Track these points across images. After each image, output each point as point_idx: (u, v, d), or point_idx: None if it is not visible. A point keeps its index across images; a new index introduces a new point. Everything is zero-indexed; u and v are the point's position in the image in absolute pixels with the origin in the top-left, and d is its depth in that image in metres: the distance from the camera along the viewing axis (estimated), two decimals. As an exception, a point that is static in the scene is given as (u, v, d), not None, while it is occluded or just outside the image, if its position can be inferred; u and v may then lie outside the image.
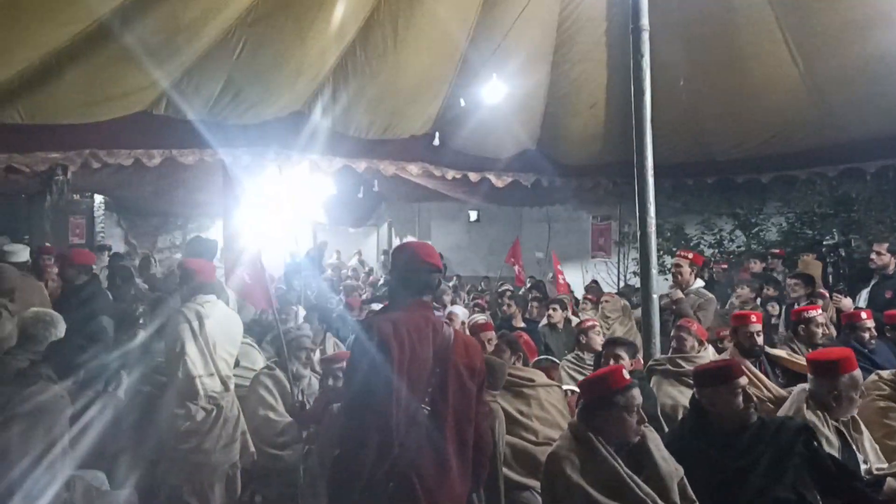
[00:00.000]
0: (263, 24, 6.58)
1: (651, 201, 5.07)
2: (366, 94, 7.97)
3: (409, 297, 2.81)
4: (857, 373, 3.58)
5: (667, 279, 7.01)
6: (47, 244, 9.21)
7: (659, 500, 2.86)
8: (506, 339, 4.91)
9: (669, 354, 4.97)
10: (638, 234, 5.25)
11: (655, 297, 5.12)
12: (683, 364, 4.77)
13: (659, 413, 4.36)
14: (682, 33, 7.63)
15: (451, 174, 9.74)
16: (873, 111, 7.81)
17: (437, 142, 8.80)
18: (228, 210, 5.65)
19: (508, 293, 8.59)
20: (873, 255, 6.51)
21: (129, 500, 3.80)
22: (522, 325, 7.47)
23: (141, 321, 4.96)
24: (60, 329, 4.37)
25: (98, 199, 11.96)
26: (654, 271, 5.15)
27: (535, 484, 3.78)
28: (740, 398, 3.26)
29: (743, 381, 3.31)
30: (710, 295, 6.10)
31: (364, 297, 10.05)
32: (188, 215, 14.44)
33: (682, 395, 4.50)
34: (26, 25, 5.31)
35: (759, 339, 4.75)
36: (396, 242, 20.58)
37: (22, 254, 5.88)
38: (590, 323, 6.16)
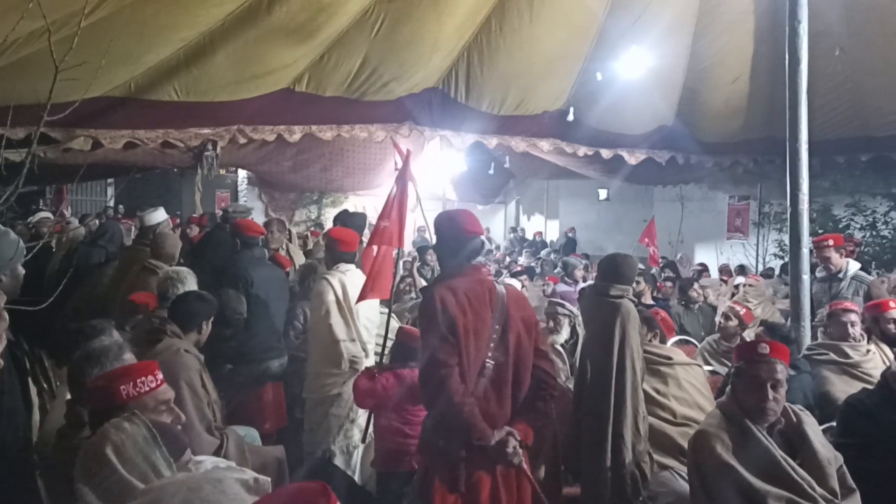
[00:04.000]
0: (401, 0, 6.67)
1: (804, 177, 4.79)
2: (500, 69, 7.95)
3: (462, 264, 3.03)
4: None
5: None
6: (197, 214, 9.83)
7: (816, 486, 2.73)
8: (643, 315, 4.79)
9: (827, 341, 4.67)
10: (788, 211, 4.97)
11: (806, 277, 4.85)
12: (851, 354, 4.45)
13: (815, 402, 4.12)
14: (837, 2, 7.13)
15: (582, 151, 9.58)
16: None
17: (571, 117, 8.66)
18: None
19: (638, 271, 8.37)
20: None
21: (278, 458, 3.97)
22: (651, 302, 7.28)
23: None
24: (189, 284, 4.50)
25: (242, 173, 12.56)
26: (805, 251, 4.87)
27: (674, 464, 3.70)
28: None
29: None
30: (871, 278, 5.73)
31: (491, 274, 10.10)
32: (324, 190, 14.94)
33: (851, 388, 4.15)
34: (186, 6, 5.62)
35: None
36: (524, 220, 20.55)
37: (159, 215, 6.21)
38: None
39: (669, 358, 4.29)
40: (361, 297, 4.57)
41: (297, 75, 7.18)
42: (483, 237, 3.14)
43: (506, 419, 2.91)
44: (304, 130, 7.89)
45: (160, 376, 2.41)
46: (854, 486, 2.83)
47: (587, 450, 3.48)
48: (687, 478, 3.10)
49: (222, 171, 12.35)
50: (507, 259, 14.43)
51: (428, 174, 14.45)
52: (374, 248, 4.65)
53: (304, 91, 7.36)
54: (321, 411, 4.68)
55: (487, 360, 2.88)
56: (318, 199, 17.00)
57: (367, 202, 13.86)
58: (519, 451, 2.86)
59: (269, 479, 1.76)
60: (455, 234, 3.06)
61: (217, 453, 3.32)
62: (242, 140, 7.82)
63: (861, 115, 8.80)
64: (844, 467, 2.85)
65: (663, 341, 4.69)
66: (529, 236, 18.77)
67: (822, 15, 6.86)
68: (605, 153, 9.70)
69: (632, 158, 9.93)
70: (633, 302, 3.67)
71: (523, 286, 8.14)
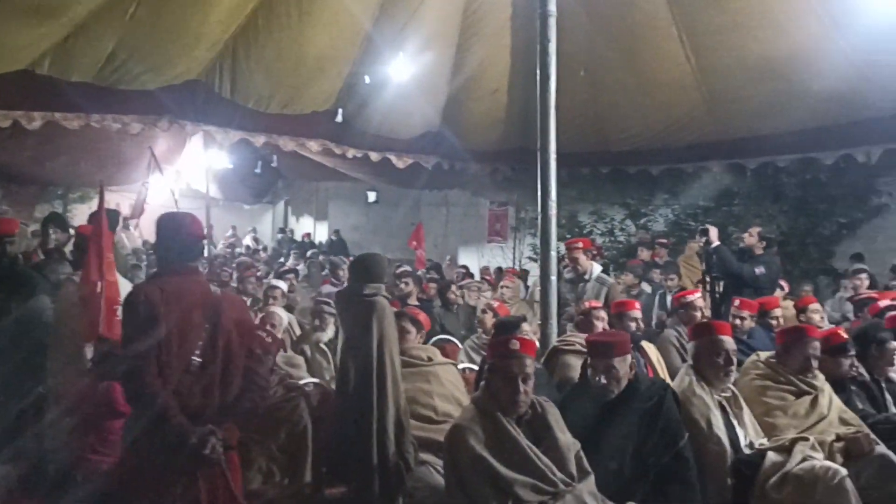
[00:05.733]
0: (160, -16, 6.30)
1: (553, 185, 5.15)
2: (267, 65, 7.77)
3: (179, 264, 3.10)
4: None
5: (564, 264, 7.17)
6: None
7: (557, 471, 2.95)
8: (408, 317, 4.89)
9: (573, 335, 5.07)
10: (539, 217, 5.34)
11: (553, 278, 5.23)
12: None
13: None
14: (583, 24, 7.80)
15: (351, 153, 9.63)
16: (756, 110, 8.26)
17: (339, 118, 8.68)
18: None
19: (406, 274, 8.60)
20: (744, 236, 6.87)
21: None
22: (416, 303, 7.49)
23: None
24: None
25: (-31, 163, 11.13)
26: (554, 254, 5.26)
27: (432, 459, 3.79)
28: (614, 373, 3.43)
29: (626, 358, 3.49)
30: (612, 280, 6.30)
31: (259, 274, 9.81)
32: (70, 184, 13.67)
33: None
34: None
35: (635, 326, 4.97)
36: (293, 221, 20.26)
37: None
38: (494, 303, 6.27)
39: (431, 358, 4.43)
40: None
41: (39, 56, 6.49)
42: (203, 241, 3.27)
43: (211, 418, 2.92)
44: (45, 118, 7.14)
45: None
46: (589, 469, 3.10)
47: (353, 447, 3.49)
48: (443, 472, 3.21)
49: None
50: (280, 260, 14.13)
51: (190, 171, 13.79)
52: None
53: (46, 74, 6.67)
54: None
55: (194, 359, 2.92)
56: (63, 195, 15.47)
57: (122, 199, 12.88)
58: (219, 450, 2.85)
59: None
60: (174, 234, 3.11)
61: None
62: (-33, 124, 6.91)
63: (601, 130, 9.70)
64: (581, 452, 3.11)
65: (426, 341, 4.83)
66: (299, 238, 18.56)
67: (571, 37, 7.47)
68: (374, 156, 9.82)
69: (399, 162, 10.15)
70: (387, 299, 3.73)
71: (291, 286, 8.00)
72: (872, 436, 3.63)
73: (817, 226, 10.97)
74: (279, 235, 19.39)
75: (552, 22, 5.09)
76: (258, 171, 14.11)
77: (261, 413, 3.24)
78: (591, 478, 3.08)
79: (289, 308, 7.02)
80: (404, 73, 7.95)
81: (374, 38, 7.92)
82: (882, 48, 6.72)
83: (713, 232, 6.61)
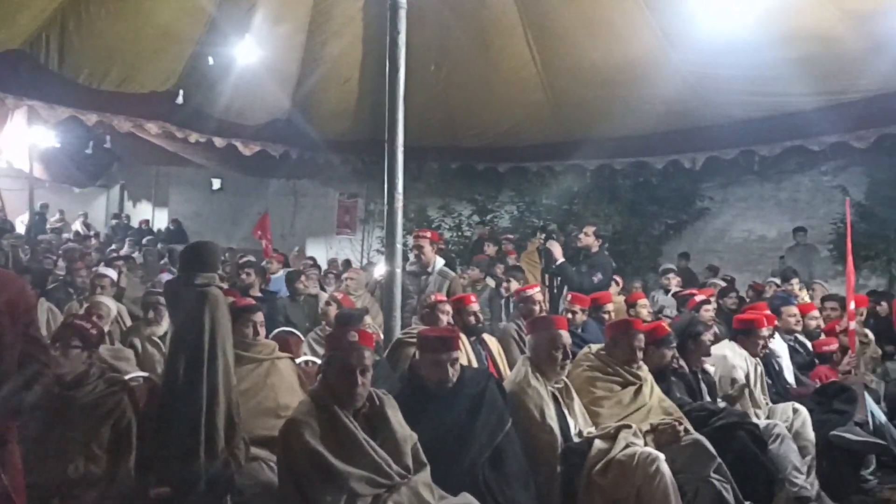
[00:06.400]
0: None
1: (400, 178, 5.14)
2: (102, 38, 7.28)
3: None
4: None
5: (408, 257, 7.21)
6: None
7: (393, 464, 2.95)
8: (250, 310, 4.67)
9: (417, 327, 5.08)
10: (385, 209, 5.32)
11: (398, 271, 5.23)
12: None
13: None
14: (435, 19, 7.86)
15: (194, 137, 9.22)
16: (595, 114, 8.68)
17: (180, 100, 8.26)
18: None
19: (249, 264, 8.33)
20: (581, 236, 7.17)
21: None
22: (259, 294, 7.29)
23: None
24: None
25: None
26: (399, 247, 5.25)
27: (265, 455, 3.67)
28: (446, 367, 3.44)
29: (454, 354, 3.50)
30: (454, 274, 6.38)
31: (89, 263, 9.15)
32: None
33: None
34: None
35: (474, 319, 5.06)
36: (130, 207, 19.17)
37: None
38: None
39: (272, 350, 4.32)
40: None
41: None
42: None
43: None
44: None
45: None
46: (426, 461, 3.12)
47: (179, 444, 3.31)
48: (276, 468, 3.13)
49: None
50: (112, 247, 13.27)
51: (11, 149, 12.71)
52: None
53: None
54: None
55: None
56: None
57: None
58: None
59: None
60: None
61: None
62: None
63: (451, 126, 9.85)
64: (418, 444, 3.12)
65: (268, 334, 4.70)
66: (136, 224, 17.56)
67: (422, 31, 7.50)
68: (219, 142, 9.46)
69: (246, 149, 9.84)
70: (221, 289, 3.58)
71: (121, 274, 7.54)
72: (686, 423, 3.89)
73: (648, 226, 11.72)
74: (113, 221, 18.24)
75: (402, 14, 5.07)
76: (89, 151, 13.18)
77: (77, 408, 2.94)
78: (427, 469, 3.10)
79: (119, 297, 6.62)
80: (251, 57, 7.69)
81: (218, 17, 7.59)
82: (709, 62, 7.26)
83: (557, 250, 6.85)
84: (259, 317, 4.39)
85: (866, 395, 5.32)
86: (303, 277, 7.52)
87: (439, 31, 8.09)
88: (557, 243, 6.87)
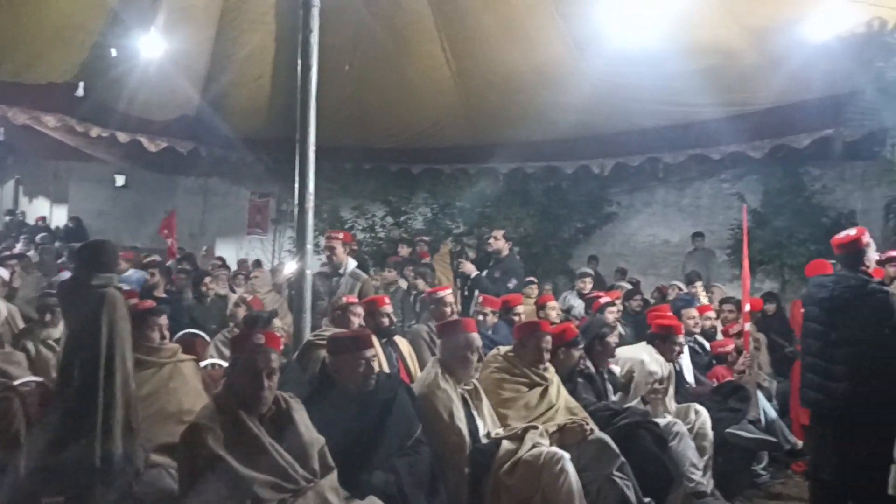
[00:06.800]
0: None
1: (311, 177, 5.08)
2: (-5, 25, 6.90)
3: None
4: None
5: (320, 258, 7.14)
6: None
7: (299, 468, 2.90)
8: (152, 312, 4.52)
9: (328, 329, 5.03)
10: (296, 210, 5.25)
11: (309, 272, 5.17)
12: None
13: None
14: (351, 19, 7.81)
15: (95, 131, 8.88)
16: (508, 118, 8.81)
17: (80, 92, 7.93)
18: None
19: (153, 264, 8.06)
20: (490, 240, 7.24)
21: None
22: (164, 296, 7.06)
23: None
24: None
25: None
26: (310, 247, 5.19)
27: (167, 461, 3.56)
28: (363, 368, 3.45)
29: (370, 352, 3.50)
30: (366, 276, 6.34)
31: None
32: None
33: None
34: None
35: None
36: (25, 203, 18.27)
37: None
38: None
39: (175, 353, 4.21)
40: None
41: None
42: None
43: None
44: None
45: None
46: (333, 465, 3.08)
47: (74, 451, 3.18)
48: (177, 474, 3.03)
49: None
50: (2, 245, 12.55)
51: None
52: None
53: None
54: None
55: None
56: None
57: None
58: None
59: None
60: None
61: None
62: None
63: (366, 126, 9.81)
64: (325, 448, 3.09)
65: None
66: (31, 221, 16.70)
67: (338, 30, 7.45)
68: (123, 137, 9.16)
69: (152, 145, 9.55)
70: (119, 290, 3.46)
71: (14, 274, 7.14)
72: (591, 423, 3.99)
73: (558, 230, 11.96)
74: (7, 218, 17.29)
75: (315, 12, 5.02)
76: (-21, 144, 12.47)
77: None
78: (334, 473, 3.07)
79: (10, 298, 6.29)
80: (157, 51, 7.44)
81: (121, 9, 7.32)
82: (618, 72, 7.47)
83: (468, 267, 6.95)
84: (163, 319, 4.29)
85: (759, 393, 5.60)
86: (208, 279, 7.34)
87: (355, 31, 8.05)
88: (467, 262, 7.01)
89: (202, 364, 4.54)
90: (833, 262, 4.59)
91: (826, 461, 4.17)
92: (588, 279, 8.51)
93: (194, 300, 7.16)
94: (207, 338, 6.04)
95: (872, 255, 4.26)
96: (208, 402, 3.09)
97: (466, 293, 6.91)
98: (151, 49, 7.45)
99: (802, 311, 4.53)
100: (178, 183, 16.00)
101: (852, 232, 4.27)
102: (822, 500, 4.24)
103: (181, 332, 5.84)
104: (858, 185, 10.10)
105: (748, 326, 5.99)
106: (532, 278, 8.27)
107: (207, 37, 8.16)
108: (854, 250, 4.15)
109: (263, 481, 2.78)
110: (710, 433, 4.80)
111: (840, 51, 6.39)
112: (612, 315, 6.31)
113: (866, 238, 4.17)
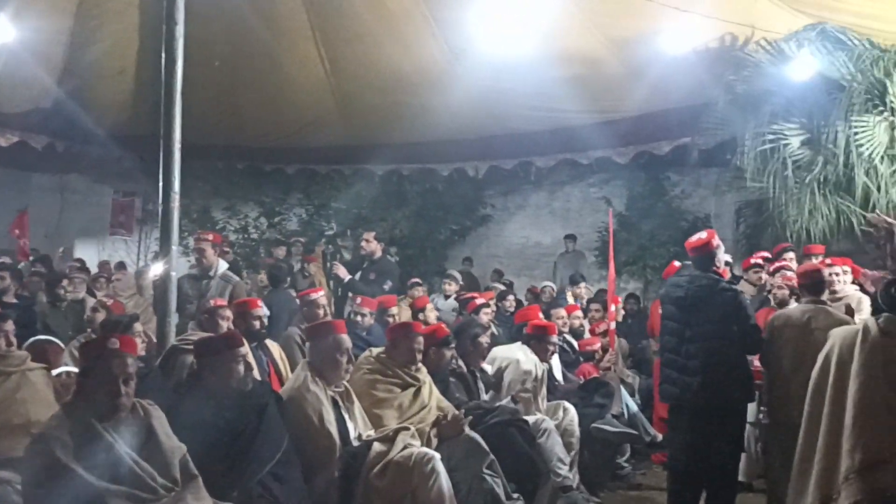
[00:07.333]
0: None
1: (176, 175, 4.87)
2: None
3: None
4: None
5: (189, 260, 6.89)
6: None
7: (158, 478, 2.78)
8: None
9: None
10: (160, 209, 5.02)
11: (174, 274, 4.96)
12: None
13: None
14: (221, 16, 7.54)
15: (-66, 123, 8.17)
16: (383, 120, 8.82)
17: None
18: None
19: (3, 266, 7.52)
20: (363, 243, 7.23)
21: None
22: (14, 301, 6.60)
23: None
24: None
25: None
26: (175, 248, 4.98)
27: (13, 477, 3.32)
28: (240, 365, 3.41)
29: (243, 350, 3.46)
30: (237, 278, 6.17)
31: None
32: None
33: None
34: None
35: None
36: None
37: None
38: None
39: (24, 362, 3.93)
40: None
41: None
42: None
43: None
44: None
45: None
46: (196, 472, 2.96)
47: None
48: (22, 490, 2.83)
49: None
50: None
51: None
52: None
53: None
54: None
55: None
56: None
57: None
58: None
59: None
60: None
61: None
62: None
63: (239, 125, 9.54)
64: (188, 456, 2.97)
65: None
66: None
67: (207, 24, 7.18)
68: (-34, 129, 8.45)
69: (2, 139, 8.89)
70: None
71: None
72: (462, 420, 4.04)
73: (434, 231, 12.08)
74: None
75: (181, 4, 4.83)
76: None
77: None
78: (198, 481, 2.95)
79: None
80: (6, 37, 6.92)
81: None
82: (492, 77, 7.62)
83: (341, 271, 6.92)
84: (9, 325, 4.02)
85: (622, 388, 5.86)
86: (65, 282, 6.92)
87: (226, 25, 7.79)
88: (340, 265, 6.99)
89: (54, 372, 4.24)
90: (686, 262, 4.88)
91: (682, 451, 4.43)
92: (452, 281, 8.62)
93: (48, 304, 6.73)
94: (62, 344, 5.66)
95: (722, 257, 4.57)
96: (57, 411, 2.90)
97: (340, 293, 6.87)
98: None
99: (660, 310, 4.79)
100: (31, 180, 14.97)
101: (703, 235, 4.56)
102: (680, 488, 4.48)
103: (32, 339, 5.45)
104: (713, 191, 10.79)
105: (613, 325, 6.26)
106: (417, 279, 8.31)
107: (65, 25, 7.64)
108: (705, 252, 4.43)
109: (117, 492, 2.64)
110: (577, 430, 4.97)
111: (696, 63, 6.81)
112: (486, 316, 6.42)
113: (716, 240, 4.47)
